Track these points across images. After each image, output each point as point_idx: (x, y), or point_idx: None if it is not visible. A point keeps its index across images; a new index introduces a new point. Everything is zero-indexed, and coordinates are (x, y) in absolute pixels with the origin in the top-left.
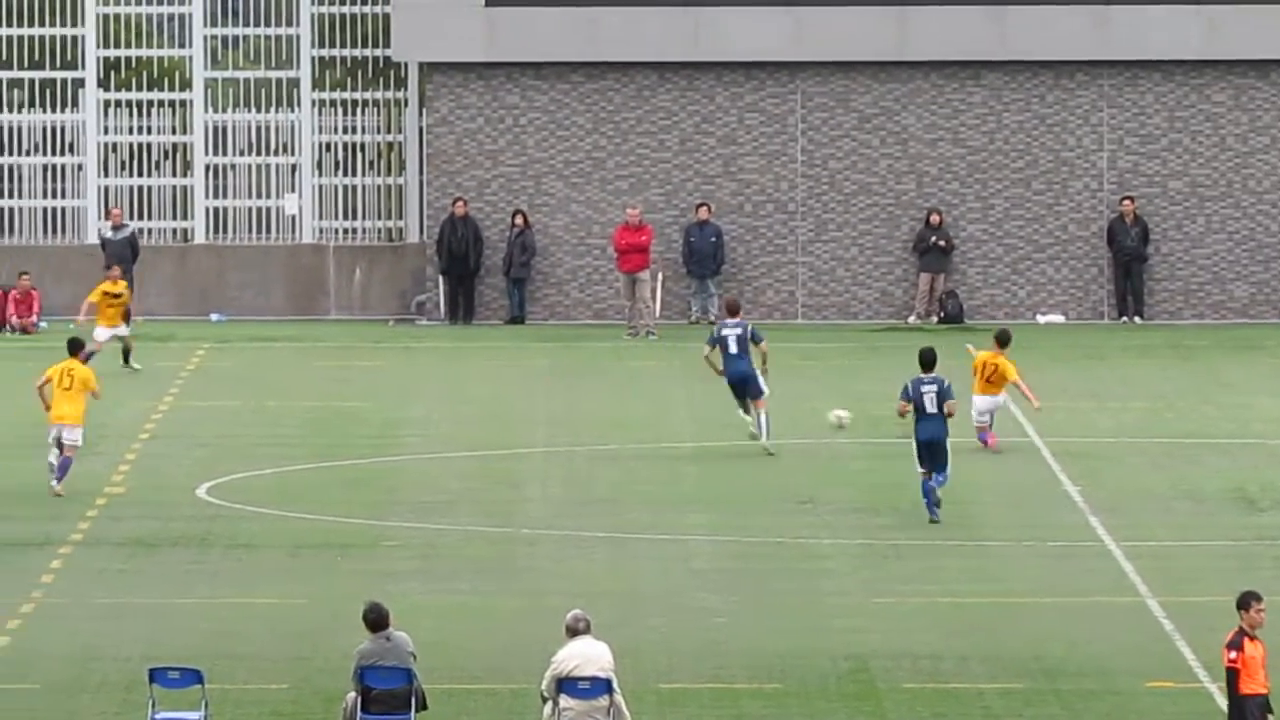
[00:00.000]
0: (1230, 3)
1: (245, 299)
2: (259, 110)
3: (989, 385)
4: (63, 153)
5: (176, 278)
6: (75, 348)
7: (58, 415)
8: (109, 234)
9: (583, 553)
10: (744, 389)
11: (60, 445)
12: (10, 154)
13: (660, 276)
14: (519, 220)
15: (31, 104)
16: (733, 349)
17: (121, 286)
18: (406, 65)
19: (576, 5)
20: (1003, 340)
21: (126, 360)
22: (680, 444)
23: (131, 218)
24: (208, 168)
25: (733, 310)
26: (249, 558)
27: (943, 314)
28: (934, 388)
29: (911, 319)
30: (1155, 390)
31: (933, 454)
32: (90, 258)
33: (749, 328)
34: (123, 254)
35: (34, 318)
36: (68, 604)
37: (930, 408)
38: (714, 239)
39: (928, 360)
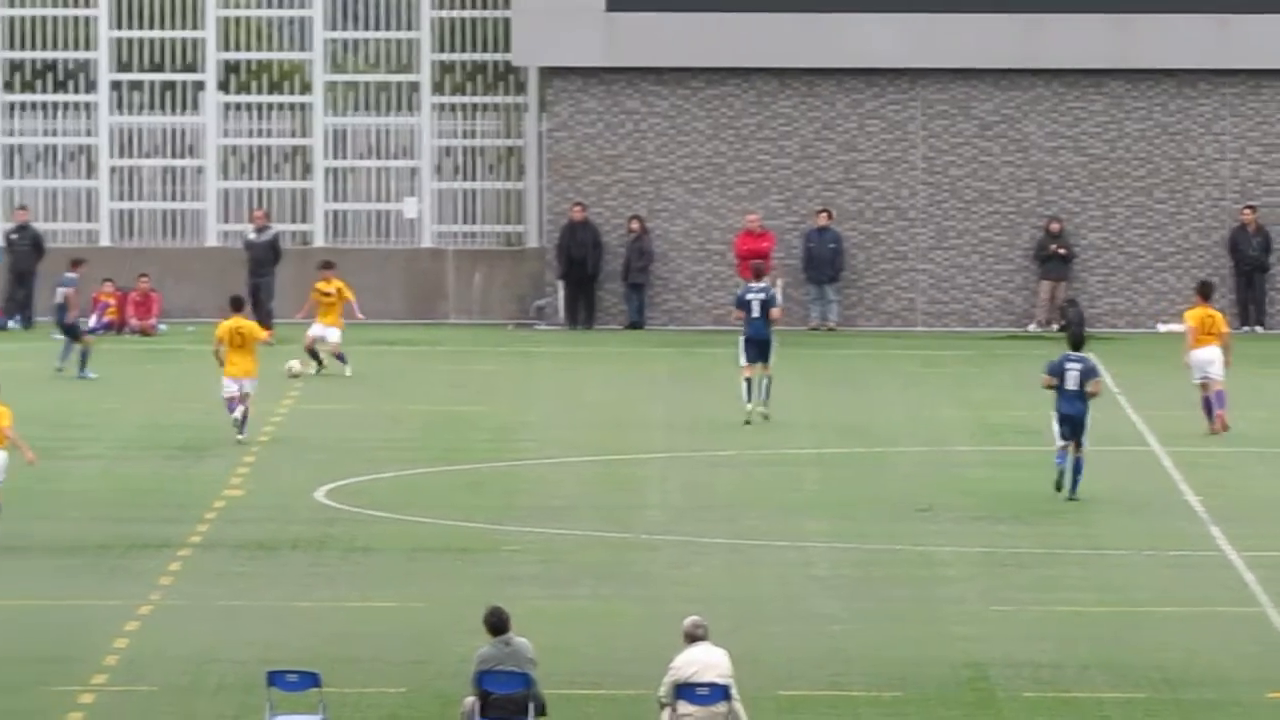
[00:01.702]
0: None
1: (364, 303)
2: (379, 114)
3: (1208, 337)
4: (183, 155)
5: (296, 281)
6: (238, 305)
7: (240, 370)
8: (252, 236)
9: (702, 558)
10: (761, 351)
11: (242, 398)
12: (130, 156)
13: (780, 283)
14: (635, 226)
15: (152, 106)
16: (755, 313)
17: (334, 285)
18: (527, 70)
19: (698, 11)
20: (1205, 292)
21: (342, 360)
22: (800, 450)
23: (250, 221)
24: (327, 171)
25: (758, 274)
26: (367, 561)
27: (1063, 322)
28: (1079, 365)
29: (1032, 327)
30: (1277, 400)
31: (1073, 428)
32: (208, 260)
33: (771, 292)
34: (265, 256)
35: (153, 320)
36: (186, 606)
37: (1071, 384)
38: (833, 245)
39: (1076, 341)
